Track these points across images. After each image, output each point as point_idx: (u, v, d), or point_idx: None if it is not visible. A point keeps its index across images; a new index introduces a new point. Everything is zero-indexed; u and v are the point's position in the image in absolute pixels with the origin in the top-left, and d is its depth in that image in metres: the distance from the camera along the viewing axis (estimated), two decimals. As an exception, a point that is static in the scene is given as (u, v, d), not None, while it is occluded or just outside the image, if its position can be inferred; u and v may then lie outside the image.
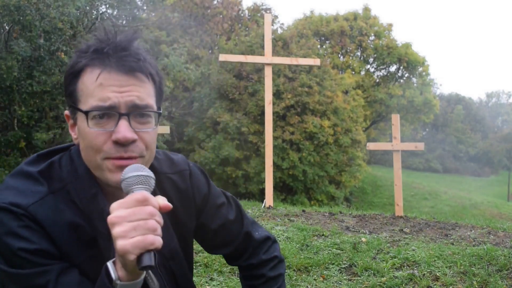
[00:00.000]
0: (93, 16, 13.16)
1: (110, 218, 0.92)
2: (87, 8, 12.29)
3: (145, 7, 18.26)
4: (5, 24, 11.63)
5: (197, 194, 1.30)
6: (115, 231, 0.91)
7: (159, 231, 0.93)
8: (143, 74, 1.07)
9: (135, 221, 0.91)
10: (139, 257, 0.90)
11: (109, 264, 0.97)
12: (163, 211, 0.97)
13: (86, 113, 1.03)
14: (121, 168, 1.02)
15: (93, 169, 1.08)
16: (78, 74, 1.07)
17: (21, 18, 10.46)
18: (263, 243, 1.41)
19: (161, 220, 0.95)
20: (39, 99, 12.14)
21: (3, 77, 10.63)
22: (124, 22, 16.63)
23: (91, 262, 1.03)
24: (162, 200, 0.99)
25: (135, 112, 1.05)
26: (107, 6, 14.23)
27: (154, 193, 1.04)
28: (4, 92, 11.49)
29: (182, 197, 1.27)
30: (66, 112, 1.14)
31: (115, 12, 15.36)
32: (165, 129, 6.71)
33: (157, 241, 0.92)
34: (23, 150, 12.22)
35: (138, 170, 1.00)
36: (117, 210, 0.93)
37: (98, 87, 1.03)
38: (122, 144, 1.03)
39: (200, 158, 16.55)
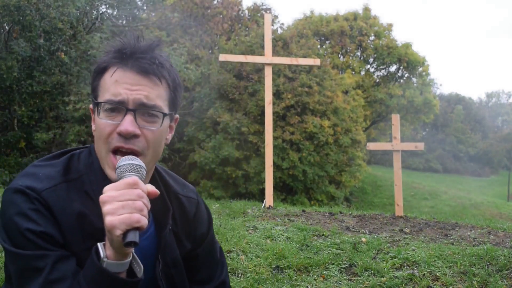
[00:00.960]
0: (93, 16, 13.17)
1: (101, 197, 1.01)
2: (87, 8, 12.30)
3: (145, 7, 18.26)
4: (5, 24, 11.64)
5: (198, 228, 1.40)
6: (105, 208, 0.99)
7: (146, 212, 1.01)
8: (155, 77, 1.16)
9: (124, 200, 0.99)
10: (125, 234, 0.97)
11: (99, 244, 1.05)
12: (151, 197, 1.06)
13: (99, 104, 1.15)
14: None
15: (100, 161, 1.18)
16: (102, 72, 1.18)
17: (21, 18, 10.47)
18: None
19: (148, 204, 1.03)
20: (39, 99, 12.14)
21: (3, 77, 10.64)
22: (124, 22, 16.63)
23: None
24: (150, 187, 1.07)
25: (142, 109, 1.14)
26: (107, 6, 14.24)
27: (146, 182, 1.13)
28: (4, 92, 11.49)
29: (185, 219, 1.36)
30: (91, 106, 1.25)
31: (115, 12, 15.36)
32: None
33: (143, 220, 0.99)
34: (23, 150, 12.22)
35: (131, 160, 1.09)
36: (109, 191, 1.01)
37: (113, 83, 1.14)
38: (124, 136, 1.12)
39: (200, 158, 16.54)
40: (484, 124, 66.80)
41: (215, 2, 23.34)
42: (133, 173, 1.06)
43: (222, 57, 6.78)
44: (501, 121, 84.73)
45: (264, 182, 6.50)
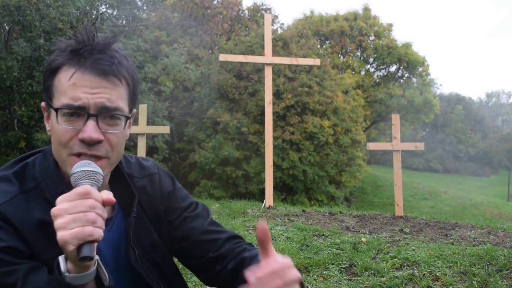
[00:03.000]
0: (93, 16, 13.17)
1: (52, 211, 0.96)
2: (87, 8, 12.30)
3: (145, 7, 18.23)
4: (5, 24, 11.63)
5: (164, 194, 1.34)
6: (56, 222, 0.94)
7: (100, 223, 0.96)
8: (115, 78, 1.11)
9: (76, 213, 0.94)
10: (79, 248, 0.93)
11: (61, 257, 0.99)
12: (106, 205, 1.00)
13: (56, 110, 1.08)
14: None
15: (60, 163, 1.13)
16: (55, 71, 1.11)
17: (21, 18, 10.47)
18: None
19: (104, 214, 0.98)
20: (39, 99, 12.13)
21: (3, 77, 10.63)
22: (124, 22, 16.63)
23: None
24: (106, 195, 1.01)
25: (104, 114, 1.09)
26: (107, 6, 14.24)
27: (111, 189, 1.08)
28: (4, 92, 11.49)
29: (151, 200, 1.31)
30: (43, 104, 1.19)
31: (115, 12, 15.36)
32: (165, 129, 6.72)
33: (97, 232, 0.94)
34: (23, 150, 12.21)
35: (85, 166, 1.03)
36: (61, 203, 0.96)
37: (71, 86, 1.08)
38: (87, 143, 1.07)
39: (200, 158, 16.54)
40: (484, 124, 66.82)
41: (215, 2, 23.35)
42: (87, 181, 1.01)
43: (222, 57, 6.78)
44: (501, 121, 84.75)
45: (264, 182, 6.50)
